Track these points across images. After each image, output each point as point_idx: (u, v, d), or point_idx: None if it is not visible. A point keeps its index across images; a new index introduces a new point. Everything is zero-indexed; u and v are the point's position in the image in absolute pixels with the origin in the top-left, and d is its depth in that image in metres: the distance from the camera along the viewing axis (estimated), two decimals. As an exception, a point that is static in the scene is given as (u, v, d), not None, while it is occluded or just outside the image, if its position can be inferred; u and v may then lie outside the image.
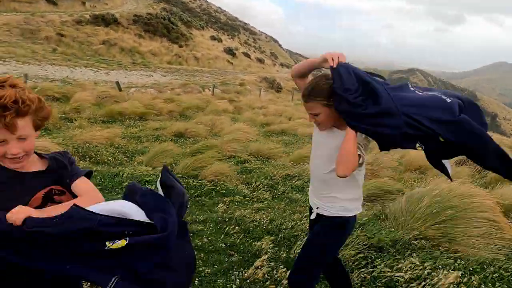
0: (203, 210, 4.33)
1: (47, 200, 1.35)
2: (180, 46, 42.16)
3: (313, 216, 2.10)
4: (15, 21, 29.50)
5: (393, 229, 3.59)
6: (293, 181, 5.72)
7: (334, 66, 1.72)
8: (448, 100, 1.67)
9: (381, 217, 4.03)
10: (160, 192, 1.38)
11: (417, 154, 8.26)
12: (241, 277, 2.85)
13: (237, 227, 3.77)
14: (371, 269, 2.93)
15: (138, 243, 1.18)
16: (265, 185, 5.46)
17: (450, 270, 2.87)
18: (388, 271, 2.88)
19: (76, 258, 1.17)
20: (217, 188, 5.07)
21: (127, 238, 1.17)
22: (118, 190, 4.71)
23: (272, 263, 3.02)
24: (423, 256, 3.09)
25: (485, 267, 2.97)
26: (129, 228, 1.19)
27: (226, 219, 3.97)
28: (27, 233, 1.09)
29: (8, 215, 1.12)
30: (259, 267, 2.93)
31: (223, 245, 3.39)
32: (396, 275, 2.84)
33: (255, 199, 4.85)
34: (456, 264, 2.99)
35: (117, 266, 1.21)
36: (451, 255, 3.17)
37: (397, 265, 2.96)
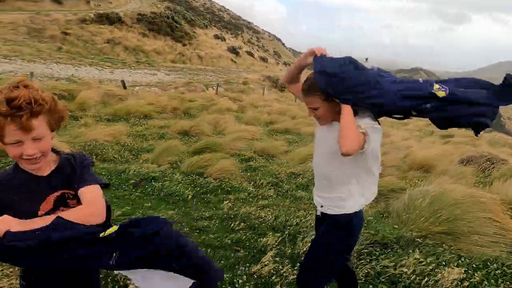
0: (208, 207, 4.39)
1: (60, 204, 1.36)
2: (184, 45, 42.27)
3: (318, 213, 2.11)
4: (20, 20, 29.70)
5: (396, 226, 3.63)
6: (298, 179, 5.77)
7: (318, 54, 1.80)
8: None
9: (385, 215, 4.08)
10: None
11: (421, 154, 8.29)
12: (247, 272, 2.91)
13: (242, 224, 3.82)
14: (375, 265, 2.98)
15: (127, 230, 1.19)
16: (269, 183, 5.52)
17: (453, 266, 2.91)
18: (392, 267, 2.92)
19: (71, 259, 1.16)
20: (222, 186, 5.13)
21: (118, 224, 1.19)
22: (125, 187, 4.77)
23: (278, 259, 3.08)
24: (426, 252, 3.13)
25: (488, 264, 3.00)
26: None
27: (232, 216, 4.03)
28: (7, 246, 1.05)
29: None
30: (265, 262, 2.98)
31: (229, 241, 3.44)
32: (400, 270, 2.88)
33: (260, 197, 4.90)
34: (460, 261, 3.03)
35: (114, 250, 1.21)
36: (454, 252, 3.21)
37: (401, 261, 3.00)
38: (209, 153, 6.32)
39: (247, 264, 3.02)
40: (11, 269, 2.54)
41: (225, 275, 2.85)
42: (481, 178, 7.09)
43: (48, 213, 1.33)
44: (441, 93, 1.70)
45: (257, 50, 66.34)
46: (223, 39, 55.74)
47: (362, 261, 3.06)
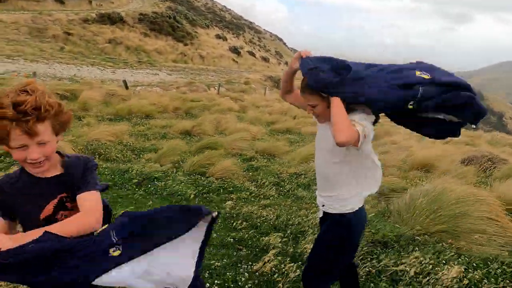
0: (211, 206, 4.43)
1: (59, 209, 1.38)
2: (186, 45, 42.35)
3: (320, 214, 2.12)
4: (23, 19, 29.81)
5: (397, 225, 3.66)
6: (299, 178, 5.81)
7: (304, 56, 1.85)
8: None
9: (386, 214, 4.11)
10: None
11: (422, 154, 8.31)
12: (249, 270, 2.94)
13: (244, 223, 3.86)
14: (376, 263, 3.01)
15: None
16: (271, 182, 5.55)
17: (453, 264, 2.94)
18: (393, 265, 2.96)
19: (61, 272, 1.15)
20: (225, 185, 5.17)
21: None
22: (128, 187, 4.82)
23: (280, 257, 3.11)
24: (427, 251, 3.16)
25: (488, 263, 3.03)
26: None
27: (234, 215, 4.07)
28: (3, 264, 1.05)
29: None
30: (267, 261, 3.02)
31: (232, 239, 3.48)
32: (401, 269, 2.91)
33: (262, 196, 4.94)
34: (460, 259, 3.06)
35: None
36: (455, 250, 3.24)
37: (402, 259, 3.03)
38: (211, 153, 6.35)
39: (250, 263, 3.06)
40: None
41: (227, 273, 2.89)
42: (482, 178, 7.11)
43: (49, 217, 1.37)
44: (426, 76, 1.73)
45: (259, 50, 66.38)
46: (225, 39, 55.79)
47: (363, 259, 3.09)
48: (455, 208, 3.50)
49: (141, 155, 6.74)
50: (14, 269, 1.07)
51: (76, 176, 1.39)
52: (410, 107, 1.74)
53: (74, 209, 1.38)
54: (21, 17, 30.66)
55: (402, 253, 3.17)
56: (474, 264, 2.99)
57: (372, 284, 2.82)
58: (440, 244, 3.34)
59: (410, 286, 2.77)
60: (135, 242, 1.18)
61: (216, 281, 2.76)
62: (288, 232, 3.64)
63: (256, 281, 2.81)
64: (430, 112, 1.79)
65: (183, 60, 37.62)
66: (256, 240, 3.50)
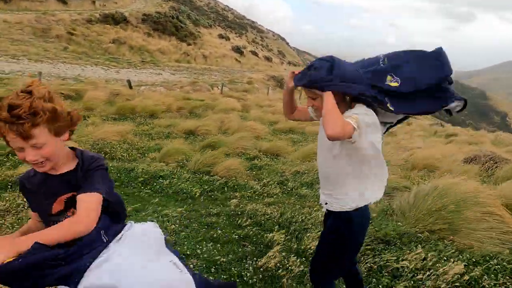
0: (215, 204, 4.50)
1: (71, 205, 1.41)
2: (189, 45, 42.46)
3: (323, 210, 2.16)
4: (26, 20, 29.98)
5: (399, 223, 3.72)
6: (302, 177, 5.87)
7: (296, 73, 2.00)
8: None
9: (388, 212, 4.17)
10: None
11: (425, 153, 8.37)
12: (254, 265, 3.02)
13: (249, 220, 3.93)
14: (378, 260, 3.08)
15: None
16: (275, 181, 5.62)
17: (454, 261, 3.00)
18: (394, 262, 3.02)
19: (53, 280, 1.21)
20: (229, 184, 5.24)
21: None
22: (134, 185, 4.90)
23: (284, 253, 3.18)
24: (428, 248, 3.22)
25: (488, 260, 3.09)
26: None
27: (239, 213, 4.14)
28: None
29: None
30: (272, 256, 3.09)
31: (237, 236, 3.56)
32: (402, 265, 2.97)
33: (266, 194, 5.01)
34: (460, 256, 3.12)
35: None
36: (456, 248, 3.29)
37: (403, 256, 3.10)
38: (215, 152, 6.43)
39: (254, 258, 3.13)
40: None
41: (233, 268, 2.96)
42: (484, 178, 7.16)
43: (60, 212, 1.41)
44: (393, 84, 1.83)
45: (261, 50, 66.42)
46: (228, 39, 55.88)
47: (365, 256, 3.16)
48: (457, 206, 3.56)
49: (145, 154, 6.82)
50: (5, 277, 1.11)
51: (79, 175, 1.41)
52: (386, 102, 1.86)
53: None
54: (25, 17, 30.83)
55: (404, 250, 3.23)
56: (474, 261, 3.05)
57: (374, 280, 2.89)
58: (442, 242, 3.40)
59: (411, 282, 2.83)
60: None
61: (222, 276, 2.84)
62: (291, 229, 3.71)
63: (261, 276, 2.88)
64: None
65: (186, 60, 37.73)
66: (260, 237, 3.57)
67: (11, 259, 1.10)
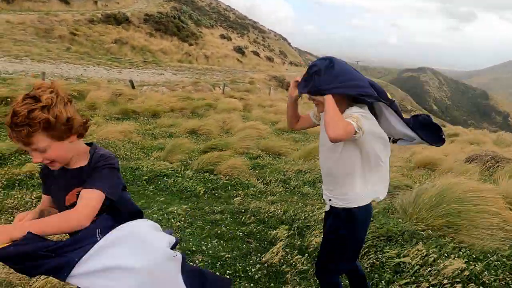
0: (219, 202, 4.57)
1: None
2: (190, 45, 42.55)
3: (327, 208, 2.19)
4: (29, 20, 30.10)
5: (401, 220, 3.78)
6: (305, 176, 5.93)
7: (299, 80, 2.03)
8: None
9: (390, 210, 4.22)
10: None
11: (426, 153, 8.42)
12: (259, 261, 3.08)
13: (253, 218, 3.99)
14: (380, 256, 3.13)
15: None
16: (277, 179, 5.68)
17: (455, 257, 3.06)
18: (396, 258, 3.08)
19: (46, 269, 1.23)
20: (232, 182, 5.31)
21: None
22: (139, 183, 4.97)
23: (287, 250, 3.24)
24: (429, 244, 3.28)
25: (488, 256, 3.14)
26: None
27: (243, 210, 4.20)
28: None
29: None
30: (275, 253, 3.15)
31: (241, 233, 3.62)
32: (404, 261, 3.03)
33: (269, 193, 5.07)
34: (461, 252, 3.17)
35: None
36: (456, 244, 3.35)
37: (405, 252, 3.15)
38: (218, 152, 6.49)
39: (259, 254, 3.20)
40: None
41: (238, 264, 3.03)
42: (486, 177, 7.20)
43: (73, 204, 1.43)
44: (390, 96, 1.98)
45: (263, 50, 66.49)
46: (229, 39, 55.96)
47: (368, 252, 3.21)
48: (458, 203, 3.61)
49: (149, 153, 6.89)
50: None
51: (88, 171, 1.44)
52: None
53: None
54: (28, 17, 30.96)
55: (406, 246, 3.28)
56: (475, 257, 3.11)
57: (376, 275, 2.95)
58: (443, 238, 3.46)
59: (413, 277, 2.89)
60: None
61: (227, 271, 2.90)
62: (294, 226, 3.77)
63: (265, 272, 2.94)
64: None
65: (188, 60, 37.82)
66: (264, 233, 3.63)
67: (5, 245, 1.13)
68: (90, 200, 1.34)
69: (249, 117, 13.02)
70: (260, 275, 2.89)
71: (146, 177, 5.14)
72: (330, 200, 2.13)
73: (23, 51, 21.82)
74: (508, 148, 12.99)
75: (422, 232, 3.52)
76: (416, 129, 2.05)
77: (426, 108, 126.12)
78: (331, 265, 2.15)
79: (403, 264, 3.03)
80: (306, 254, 3.21)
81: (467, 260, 3.04)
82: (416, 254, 3.10)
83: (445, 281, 2.79)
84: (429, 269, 2.93)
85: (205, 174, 5.58)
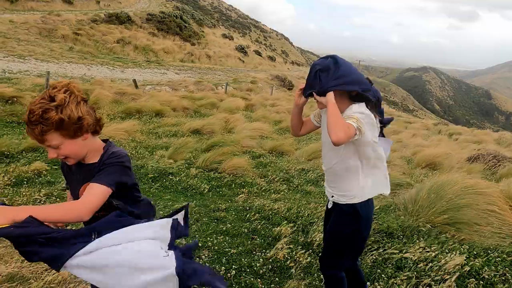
0: (224, 200, 4.64)
1: None
2: (193, 44, 42.63)
3: (329, 205, 2.24)
4: (32, 20, 30.21)
5: (402, 217, 3.84)
6: (308, 174, 6.00)
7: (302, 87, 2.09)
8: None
9: (392, 207, 4.29)
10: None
11: (428, 152, 8.46)
12: (264, 257, 3.15)
13: (257, 215, 4.06)
14: (382, 252, 3.20)
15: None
16: (280, 178, 5.75)
17: (455, 253, 3.12)
18: (398, 254, 3.14)
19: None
20: (236, 181, 5.38)
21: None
22: (144, 181, 5.04)
23: (292, 246, 3.31)
24: (430, 241, 3.35)
25: (489, 252, 3.21)
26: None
27: (247, 208, 4.27)
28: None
29: None
30: (280, 248, 3.22)
31: (246, 230, 3.69)
32: (405, 256, 3.10)
33: (272, 191, 5.14)
34: (462, 249, 3.24)
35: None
36: (457, 241, 3.41)
37: (406, 248, 3.22)
38: (222, 150, 6.56)
39: (263, 250, 3.27)
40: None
41: (243, 259, 3.10)
42: (488, 176, 7.25)
43: None
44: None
45: (265, 49, 66.54)
46: (231, 38, 56.02)
47: (370, 248, 3.28)
48: (459, 200, 3.68)
49: (153, 152, 6.97)
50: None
51: (99, 167, 1.49)
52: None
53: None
54: (31, 17, 31.08)
55: (407, 243, 3.35)
56: (475, 253, 3.17)
57: (378, 270, 3.01)
58: (443, 235, 3.52)
59: (414, 273, 2.95)
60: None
61: (233, 266, 2.97)
62: (298, 223, 3.84)
63: (270, 267, 3.02)
64: None
65: (190, 59, 37.91)
66: (268, 230, 3.71)
67: (5, 226, 1.15)
68: (92, 195, 1.37)
69: (252, 117, 13.10)
70: (265, 270, 2.97)
71: (151, 176, 5.22)
72: (332, 196, 2.18)
73: (27, 51, 21.94)
74: (510, 148, 13.02)
75: (423, 229, 3.58)
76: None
77: (428, 107, 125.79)
78: (334, 260, 2.20)
79: (405, 260, 3.10)
80: (310, 250, 3.28)
81: (467, 256, 3.10)
82: (417, 251, 3.17)
83: (446, 276, 2.86)
84: (430, 264, 3.00)
85: (209, 172, 5.65)
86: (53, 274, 2.65)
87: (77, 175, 1.58)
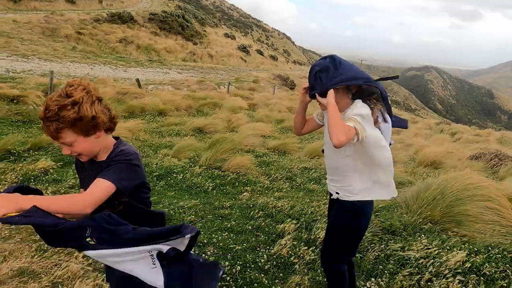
0: (228, 198, 4.70)
1: None
2: (195, 44, 42.68)
3: (334, 196, 2.24)
4: (35, 19, 30.33)
5: (404, 215, 3.89)
6: (310, 173, 6.05)
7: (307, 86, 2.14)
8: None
9: (394, 205, 4.33)
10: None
11: (430, 151, 8.49)
12: (268, 253, 3.21)
13: (261, 212, 4.12)
14: (384, 248, 3.25)
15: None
16: (283, 176, 5.81)
17: (457, 250, 3.17)
18: (400, 250, 3.19)
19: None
20: (240, 179, 5.43)
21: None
22: (149, 179, 5.10)
23: (295, 242, 3.37)
24: (432, 238, 3.40)
25: (490, 249, 3.25)
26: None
27: (251, 205, 4.33)
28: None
29: None
30: (284, 245, 3.28)
31: (250, 227, 3.75)
32: (407, 253, 3.15)
33: (275, 189, 5.20)
34: (463, 246, 3.28)
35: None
36: (459, 238, 3.46)
37: (408, 245, 3.27)
38: (225, 149, 6.61)
39: (267, 247, 3.33)
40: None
41: (248, 256, 3.16)
42: (489, 175, 7.28)
43: None
44: None
45: (267, 49, 66.55)
46: (233, 38, 56.06)
47: (372, 245, 3.33)
48: (460, 197, 3.72)
49: (157, 150, 7.03)
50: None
51: (105, 164, 1.51)
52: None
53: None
54: (34, 17, 31.20)
55: (409, 240, 3.40)
56: (476, 250, 3.22)
57: (380, 267, 3.07)
58: (445, 232, 3.57)
59: (416, 269, 3.00)
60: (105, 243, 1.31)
61: (238, 262, 3.03)
62: (301, 220, 3.90)
63: (274, 263, 3.07)
64: None
65: (192, 59, 37.98)
66: (272, 227, 3.76)
67: (13, 214, 1.19)
68: (96, 189, 1.39)
69: (254, 116, 13.15)
70: (269, 265, 3.02)
71: (156, 174, 5.28)
72: (337, 193, 2.21)
73: (30, 50, 22.04)
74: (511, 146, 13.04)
75: (425, 226, 3.63)
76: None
77: (430, 107, 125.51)
78: (337, 255, 2.25)
79: (407, 257, 3.15)
80: (313, 246, 3.33)
81: (468, 253, 3.15)
82: (419, 248, 3.22)
83: (447, 272, 2.90)
84: (432, 261, 3.05)
85: (213, 170, 5.71)
86: (64, 268, 2.71)
87: (89, 171, 1.62)
